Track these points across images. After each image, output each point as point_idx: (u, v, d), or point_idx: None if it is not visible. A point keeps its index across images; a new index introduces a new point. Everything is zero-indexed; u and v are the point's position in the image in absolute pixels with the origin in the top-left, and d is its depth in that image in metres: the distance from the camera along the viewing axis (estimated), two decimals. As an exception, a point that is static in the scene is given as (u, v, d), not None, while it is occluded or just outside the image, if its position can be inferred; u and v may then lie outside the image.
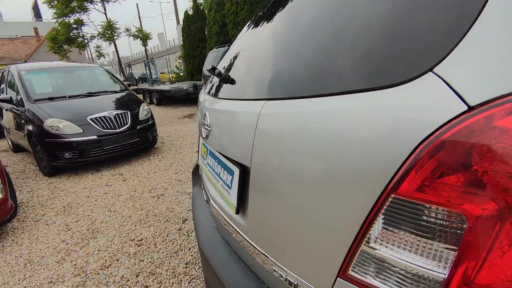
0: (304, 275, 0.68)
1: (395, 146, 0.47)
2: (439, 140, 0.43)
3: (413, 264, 0.48)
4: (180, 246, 2.42)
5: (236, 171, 0.90)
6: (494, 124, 0.40)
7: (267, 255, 0.79)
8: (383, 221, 0.50)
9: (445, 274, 0.45)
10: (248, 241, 0.88)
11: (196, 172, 1.76)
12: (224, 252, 1.03)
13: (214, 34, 12.40)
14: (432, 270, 0.46)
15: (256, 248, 0.84)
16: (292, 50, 0.79)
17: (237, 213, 0.91)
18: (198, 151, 1.64)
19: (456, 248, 0.43)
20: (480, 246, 0.42)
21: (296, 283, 0.71)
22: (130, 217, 2.99)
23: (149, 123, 4.98)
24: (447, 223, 0.44)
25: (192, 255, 2.28)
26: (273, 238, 0.76)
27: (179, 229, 2.68)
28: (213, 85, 1.21)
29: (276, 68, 0.80)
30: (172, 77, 17.04)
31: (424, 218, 0.46)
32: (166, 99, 12.00)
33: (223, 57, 1.36)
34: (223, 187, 1.03)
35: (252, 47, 1.02)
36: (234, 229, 0.95)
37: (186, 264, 2.19)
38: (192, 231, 2.61)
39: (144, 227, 2.76)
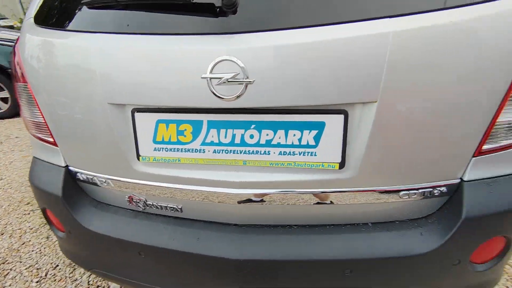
0: (438, 174, 0.79)
1: None
2: None
3: None
4: None
5: (335, 119, 0.72)
6: None
7: (393, 186, 0.79)
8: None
9: None
10: (359, 191, 0.78)
11: (71, 196, 0.95)
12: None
13: None
14: None
15: (374, 189, 0.79)
16: None
17: (341, 167, 0.76)
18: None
19: None
20: None
21: (428, 189, 0.80)
22: None
23: None
24: None
25: None
26: (402, 165, 0.77)
27: None
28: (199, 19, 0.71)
29: None
30: None
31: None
32: None
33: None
34: (287, 153, 0.76)
35: None
36: (327, 193, 0.78)
37: None
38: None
39: None
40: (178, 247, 0.85)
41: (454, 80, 0.69)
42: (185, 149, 0.82)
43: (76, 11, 0.84)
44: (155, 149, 0.83)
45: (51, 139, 0.95)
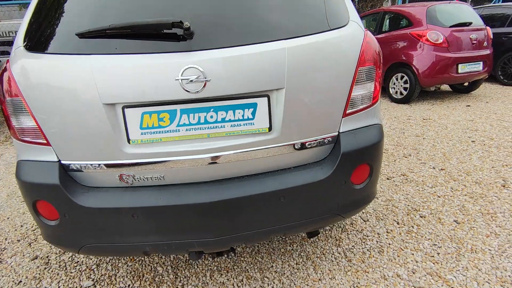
0: (325, 130, 1.31)
1: (355, 49, 1.29)
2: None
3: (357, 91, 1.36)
4: None
5: (262, 100, 1.17)
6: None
7: (301, 140, 1.27)
8: (358, 78, 1.31)
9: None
10: (282, 145, 1.25)
11: (66, 184, 1.18)
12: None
13: None
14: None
15: (291, 143, 1.26)
16: None
17: (270, 130, 1.21)
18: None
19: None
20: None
21: (321, 140, 1.31)
22: None
23: None
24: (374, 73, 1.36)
25: None
26: (305, 126, 1.26)
27: None
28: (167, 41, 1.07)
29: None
30: None
31: (368, 73, 1.34)
32: None
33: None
34: (236, 125, 1.18)
35: None
36: (263, 149, 1.22)
37: None
38: None
39: None
40: (166, 203, 1.18)
41: (325, 73, 1.23)
42: (164, 131, 1.16)
43: (66, 38, 1.12)
44: (141, 133, 1.15)
45: (43, 141, 1.17)
